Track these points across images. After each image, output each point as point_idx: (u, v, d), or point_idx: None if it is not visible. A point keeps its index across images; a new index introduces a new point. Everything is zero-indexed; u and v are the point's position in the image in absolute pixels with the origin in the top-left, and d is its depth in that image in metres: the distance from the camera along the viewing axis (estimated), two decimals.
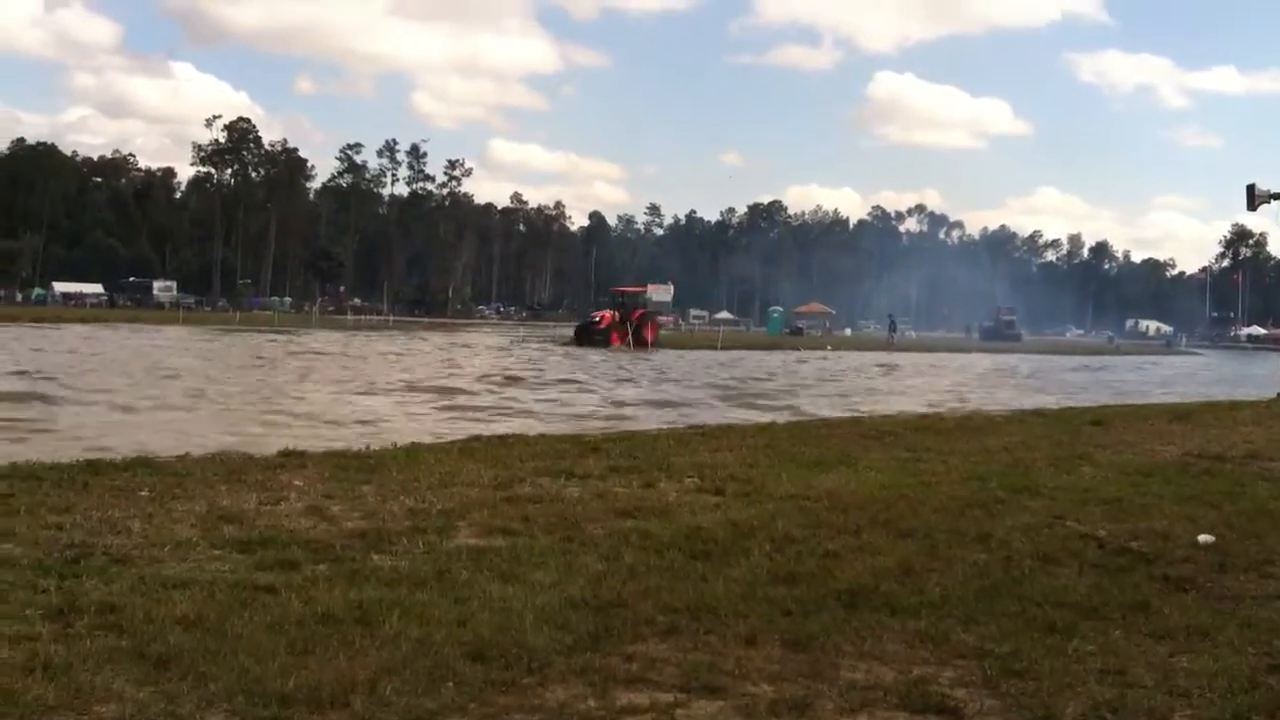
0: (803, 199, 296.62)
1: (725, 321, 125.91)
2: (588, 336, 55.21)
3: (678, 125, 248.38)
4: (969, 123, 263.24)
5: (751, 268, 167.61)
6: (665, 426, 16.41)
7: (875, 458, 12.90)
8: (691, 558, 7.31)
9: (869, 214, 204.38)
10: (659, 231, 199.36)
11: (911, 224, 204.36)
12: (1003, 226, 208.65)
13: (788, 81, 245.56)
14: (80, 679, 4.67)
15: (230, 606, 5.76)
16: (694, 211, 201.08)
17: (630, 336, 54.47)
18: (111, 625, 5.40)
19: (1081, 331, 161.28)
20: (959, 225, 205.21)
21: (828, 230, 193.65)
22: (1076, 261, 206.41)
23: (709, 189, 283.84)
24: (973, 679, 5.28)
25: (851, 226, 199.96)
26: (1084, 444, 15.38)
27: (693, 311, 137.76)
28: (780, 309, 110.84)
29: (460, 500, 9.10)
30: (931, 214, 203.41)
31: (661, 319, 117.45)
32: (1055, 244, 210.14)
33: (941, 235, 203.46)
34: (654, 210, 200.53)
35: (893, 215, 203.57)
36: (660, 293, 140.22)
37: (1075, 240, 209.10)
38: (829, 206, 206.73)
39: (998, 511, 9.47)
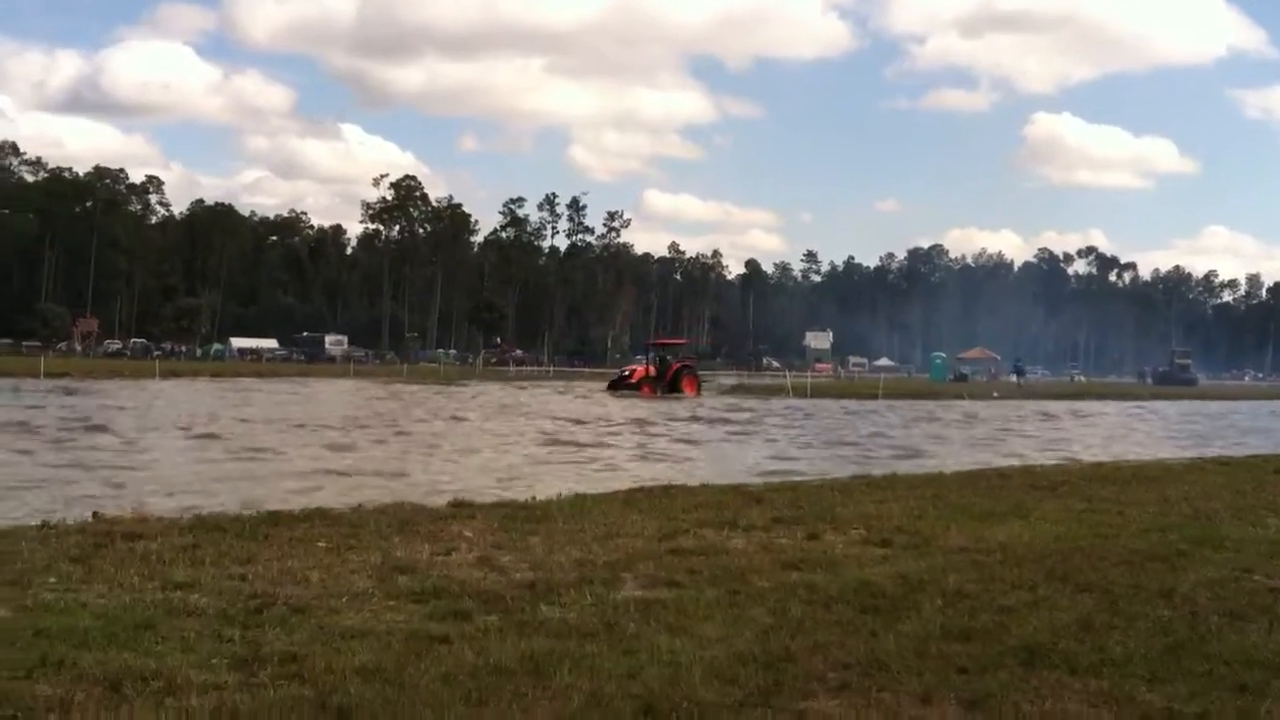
0: (962, 242, 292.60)
1: (885, 368, 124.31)
2: (619, 389, 54.44)
3: (833, 172, 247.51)
4: (1132, 162, 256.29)
5: (912, 313, 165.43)
6: (827, 476, 16.22)
7: (1049, 509, 12.56)
8: (861, 612, 7.21)
9: (1035, 256, 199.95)
10: (816, 278, 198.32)
11: (1080, 266, 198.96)
12: (1177, 267, 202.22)
13: (944, 125, 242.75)
14: None
15: (406, 657, 5.89)
16: (852, 257, 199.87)
17: (664, 389, 52.85)
18: (294, 674, 5.56)
19: (1260, 375, 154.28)
20: (1130, 267, 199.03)
21: (991, 274, 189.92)
22: (1255, 302, 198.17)
23: (866, 235, 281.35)
24: None
25: (1016, 269, 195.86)
26: (1269, 493, 14.75)
27: (852, 359, 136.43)
28: (943, 355, 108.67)
29: (625, 552, 9.15)
30: (1101, 256, 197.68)
31: (820, 366, 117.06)
32: (1232, 284, 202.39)
33: (1112, 277, 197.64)
34: (811, 257, 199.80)
35: (1060, 257, 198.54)
36: (818, 340, 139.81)
37: (1253, 280, 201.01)
38: (990, 249, 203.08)
39: (1180, 565, 9.12)
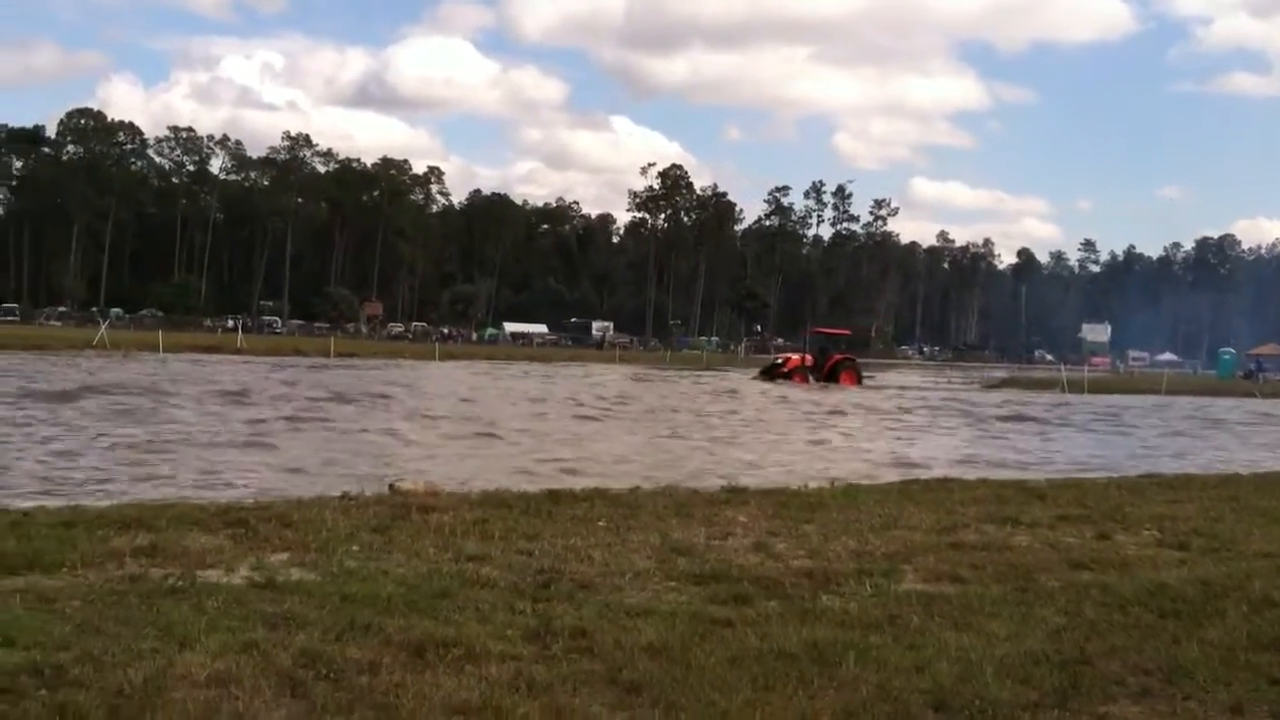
0: (1252, 232, 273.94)
1: (1168, 363, 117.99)
2: (771, 376, 51.97)
3: (1112, 158, 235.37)
4: None
5: (1198, 306, 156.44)
6: (1114, 475, 15.54)
7: None
8: (1159, 616, 6.88)
9: None
10: (1094, 268, 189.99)
11: None
12: None
13: (1233, 109, 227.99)
14: (561, 700, 4.95)
15: (691, 637, 5.95)
16: (1133, 247, 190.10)
17: (818, 379, 50.23)
18: (584, 649, 5.69)
19: None
20: None
21: None
22: None
23: (1148, 223, 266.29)
24: None
25: None
26: None
27: (1132, 353, 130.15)
28: (1232, 350, 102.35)
29: (904, 544, 8.99)
30: None
31: (1096, 360, 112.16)
32: None
33: None
34: (1088, 246, 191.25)
35: None
36: (1095, 332, 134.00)
37: None
38: None
39: None
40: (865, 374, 54.53)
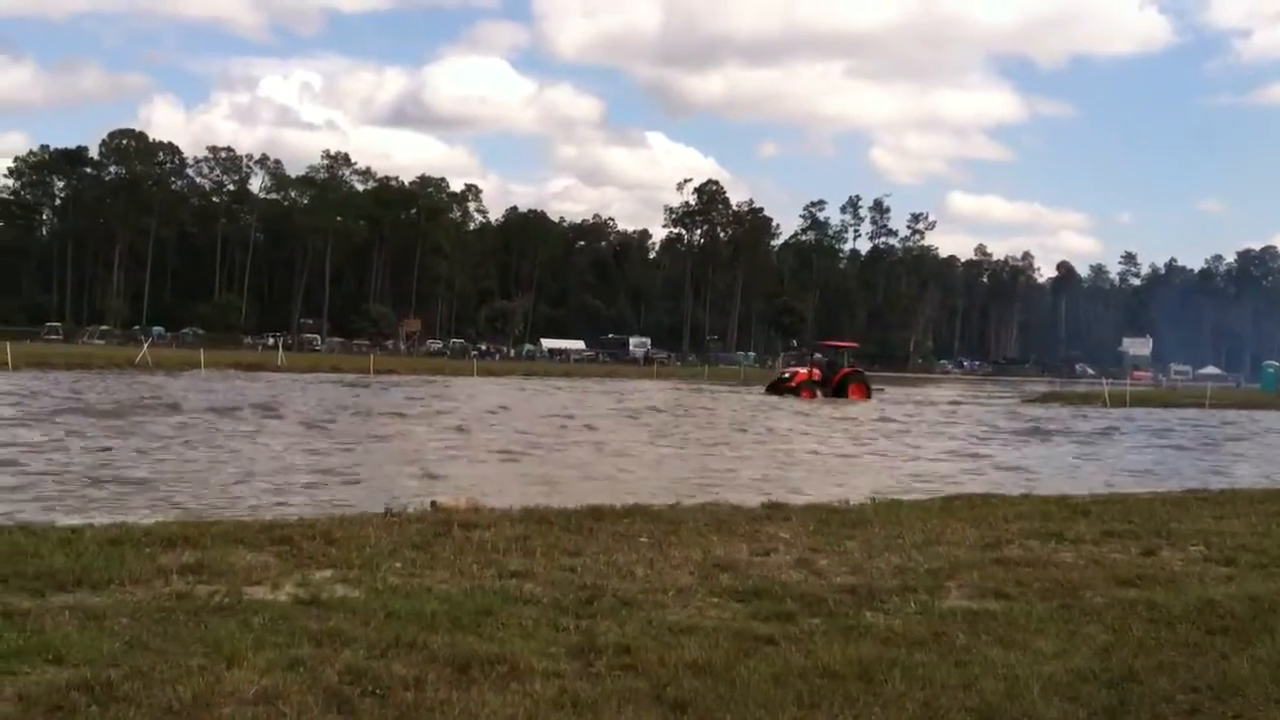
0: None
1: (1212, 377, 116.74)
2: (778, 391, 50.90)
3: (1152, 170, 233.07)
4: None
5: (1241, 318, 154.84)
6: (1159, 491, 15.39)
7: None
8: (1208, 633, 6.82)
9: None
10: (1135, 281, 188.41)
11: None
12: None
13: (1273, 120, 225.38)
14: (605, 717, 4.95)
15: (734, 654, 5.93)
16: (1174, 260, 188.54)
17: (826, 393, 49.39)
18: (628, 666, 5.69)
19: None
20: None
21: None
22: None
23: (1190, 236, 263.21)
24: None
25: None
26: None
27: (1174, 366, 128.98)
28: (1275, 363, 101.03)
29: (948, 560, 8.93)
30: None
31: (1138, 374, 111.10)
32: None
33: None
34: (1129, 259, 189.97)
35: None
36: (1137, 346, 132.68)
37: None
38: None
39: None
40: (875, 386, 54.12)
